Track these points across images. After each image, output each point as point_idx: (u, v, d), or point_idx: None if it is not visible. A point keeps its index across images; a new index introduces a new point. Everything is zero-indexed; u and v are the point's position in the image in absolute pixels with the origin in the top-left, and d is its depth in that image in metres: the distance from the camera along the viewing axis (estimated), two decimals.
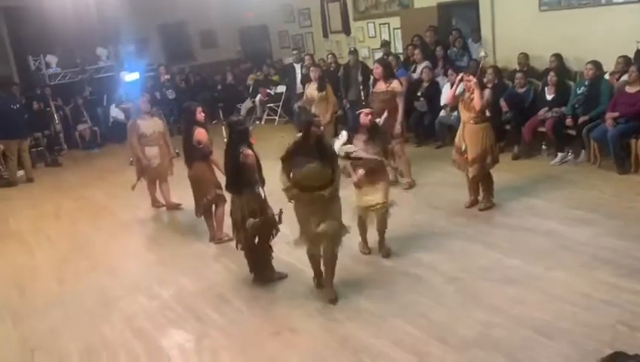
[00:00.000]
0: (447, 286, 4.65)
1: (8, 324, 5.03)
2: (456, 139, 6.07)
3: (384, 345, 3.98)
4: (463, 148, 5.90)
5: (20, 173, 10.16)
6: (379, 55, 10.88)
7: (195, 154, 5.90)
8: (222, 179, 5.51)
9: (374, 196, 5.04)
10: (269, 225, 4.97)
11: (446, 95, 8.26)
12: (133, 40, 13.44)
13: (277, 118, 12.66)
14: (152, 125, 7.13)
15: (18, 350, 4.60)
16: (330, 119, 7.99)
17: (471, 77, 5.84)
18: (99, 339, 4.59)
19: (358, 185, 5.01)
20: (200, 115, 5.97)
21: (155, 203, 7.59)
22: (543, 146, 7.66)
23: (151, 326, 4.70)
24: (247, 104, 13.20)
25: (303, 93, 8.95)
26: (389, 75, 6.78)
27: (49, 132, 11.76)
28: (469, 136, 5.85)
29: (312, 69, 8.56)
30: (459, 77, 6.05)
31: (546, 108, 7.55)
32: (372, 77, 8.08)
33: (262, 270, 5.13)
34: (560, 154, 7.30)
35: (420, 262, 5.12)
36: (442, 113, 8.46)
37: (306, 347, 4.12)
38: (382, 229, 5.23)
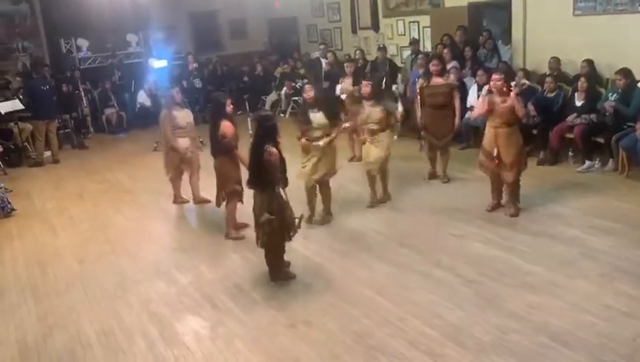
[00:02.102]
0: (465, 289, 4.61)
1: (29, 301, 5.14)
2: (486, 144, 5.93)
3: (399, 344, 3.96)
4: (495, 153, 5.79)
5: (47, 153, 10.35)
6: (407, 53, 10.85)
7: (220, 147, 5.80)
8: (245, 174, 5.36)
9: (374, 152, 6.31)
10: (286, 226, 4.95)
11: (474, 99, 8.24)
12: (163, 27, 13.56)
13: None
14: (185, 116, 7.01)
15: (37, 326, 4.68)
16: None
17: (497, 76, 5.78)
18: (116, 321, 4.65)
19: (362, 142, 6.47)
20: (229, 107, 5.84)
21: (178, 198, 7.35)
22: (570, 153, 7.54)
23: (167, 311, 4.75)
24: (272, 96, 13.23)
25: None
26: (445, 70, 7.33)
27: (77, 114, 11.96)
28: (503, 140, 5.73)
29: (346, 64, 8.54)
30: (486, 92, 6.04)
31: (575, 115, 7.42)
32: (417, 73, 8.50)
33: (276, 268, 5.09)
34: (587, 162, 7.18)
35: (439, 262, 5.09)
36: (468, 114, 8.38)
37: (320, 341, 4.12)
38: (384, 180, 6.60)
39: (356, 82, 8.06)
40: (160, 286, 5.19)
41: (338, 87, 8.33)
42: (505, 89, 5.71)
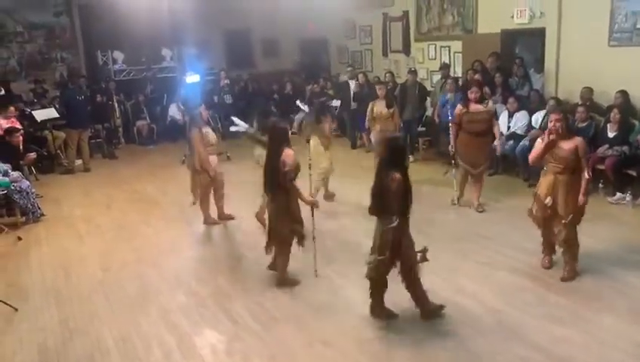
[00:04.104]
0: (488, 318, 4.52)
1: (52, 305, 5.20)
2: (541, 191, 5.19)
3: None
4: (548, 202, 5.08)
5: (78, 162, 10.56)
6: (437, 77, 10.84)
7: (279, 179, 5.07)
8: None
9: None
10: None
11: (504, 125, 8.17)
12: (198, 43, 13.82)
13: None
14: (213, 134, 6.94)
15: (59, 330, 4.73)
16: None
17: (556, 116, 5.05)
18: (135, 329, 4.67)
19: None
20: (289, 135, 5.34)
21: (209, 220, 7.13)
22: (600, 185, 7.39)
23: (186, 322, 4.76)
24: (300, 115, 13.29)
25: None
26: (483, 96, 7.22)
27: (109, 125, 12.19)
28: (562, 189, 5.01)
29: (378, 86, 8.49)
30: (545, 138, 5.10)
31: (607, 146, 7.29)
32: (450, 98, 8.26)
33: (378, 306, 4.82)
34: (619, 194, 7.02)
35: (464, 289, 5.00)
36: (496, 141, 8.28)
37: None
38: None
39: (389, 105, 8.14)
40: (180, 298, 5.21)
41: (369, 111, 8.32)
42: (566, 130, 4.99)
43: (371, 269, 4.45)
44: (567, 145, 4.93)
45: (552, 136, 4.96)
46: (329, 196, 7.74)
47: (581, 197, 4.96)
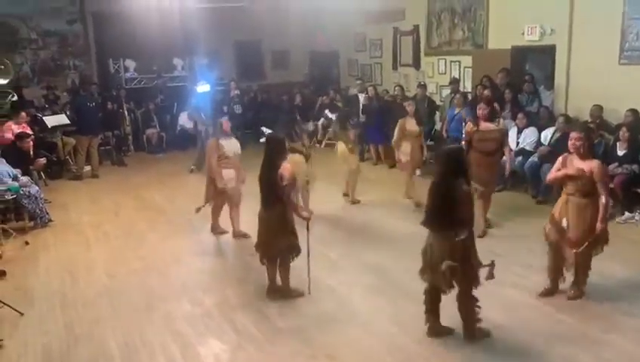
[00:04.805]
0: (493, 335, 4.47)
1: (57, 310, 5.22)
2: (555, 211, 5.03)
3: None
4: (564, 224, 4.89)
5: (87, 168, 10.63)
6: (446, 92, 10.86)
7: (277, 192, 5.03)
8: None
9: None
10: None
11: (513, 141, 8.15)
12: (208, 53, 13.93)
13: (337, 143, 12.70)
14: (232, 147, 6.77)
15: (64, 335, 4.75)
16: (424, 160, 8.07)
17: (577, 134, 4.82)
18: (139, 336, 4.68)
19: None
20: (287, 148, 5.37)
21: (217, 229, 7.09)
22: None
23: (191, 331, 4.76)
24: (308, 127, 13.33)
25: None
26: (495, 114, 6.97)
27: (119, 132, 12.28)
28: (573, 211, 4.83)
29: (407, 103, 8.27)
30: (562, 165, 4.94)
31: (616, 164, 7.27)
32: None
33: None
34: (627, 213, 6.98)
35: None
36: (505, 157, 8.27)
37: None
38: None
39: (420, 122, 8.02)
40: (185, 307, 5.21)
41: (398, 128, 8.03)
42: (585, 151, 4.79)
43: (437, 279, 4.25)
44: (583, 167, 4.73)
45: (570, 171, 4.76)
46: (354, 201, 8.09)
47: (598, 224, 4.73)
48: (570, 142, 4.87)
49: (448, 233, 4.14)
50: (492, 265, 4.29)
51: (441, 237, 4.21)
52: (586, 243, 4.78)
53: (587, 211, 4.77)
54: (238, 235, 6.97)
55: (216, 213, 7.05)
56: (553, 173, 5.03)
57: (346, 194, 8.26)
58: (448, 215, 4.12)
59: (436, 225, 4.25)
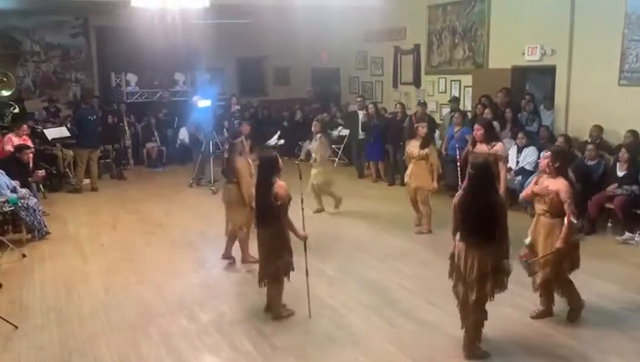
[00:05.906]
0: (491, 355, 4.43)
1: (52, 324, 5.16)
2: (529, 230, 5.01)
3: None
4: (527, 242, 4.92)
5: (86, 181, 10.61)
6: (446, 110, 10.90)
7: (272, 212, 4.95)
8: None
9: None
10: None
11: (512, 161, 8.15)
12: (210, 68, 14.00)
13: (337, 159, 12.72)
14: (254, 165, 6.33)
15: (58, 350, 4.69)
16: (437, 187, 7.47)
17: (546, 153, 4.94)
18: (134, 352, 4.62)
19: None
20: (282, 166, 5.16)
21: (248, 258, 6.45)
22: (609, 224, 7.33)
23: (186, 347, 4.70)
24: (307, 144, 13.34)
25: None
26: (491, 137, 6.60)
27: (119, 146, 12.29)
28: (542, 231, 4.83)
29: (419, 125, 7.55)
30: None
31: (616, 185, 7.26)
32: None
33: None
34: (627, 234, 6.96)
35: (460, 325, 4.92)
36: (502, 185, 8.24)
37: None
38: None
39: (424, 145, 7.36)
40: (181, 322, 5.16)
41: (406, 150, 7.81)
42: (552, 170, 4.79)
43: (499, 285, 4.31)
44: (552, 186, 4.72)
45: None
46: (319, 210, 8.53)
47: (559, 243, 4.63)
48: (540, 161, 5.03)
49: (488, 242, 4.13)
50: (526, 261, 4.59)
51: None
52: (549, 268, 4.77)
53: (555, 232, 4.72)
54: (247, 261, 6.52)
55: (245, 243, 6.44)
56: (525, 190, 5.15)
57: (335, 207, 8.55)
58: (486, 227, 4.12)
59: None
